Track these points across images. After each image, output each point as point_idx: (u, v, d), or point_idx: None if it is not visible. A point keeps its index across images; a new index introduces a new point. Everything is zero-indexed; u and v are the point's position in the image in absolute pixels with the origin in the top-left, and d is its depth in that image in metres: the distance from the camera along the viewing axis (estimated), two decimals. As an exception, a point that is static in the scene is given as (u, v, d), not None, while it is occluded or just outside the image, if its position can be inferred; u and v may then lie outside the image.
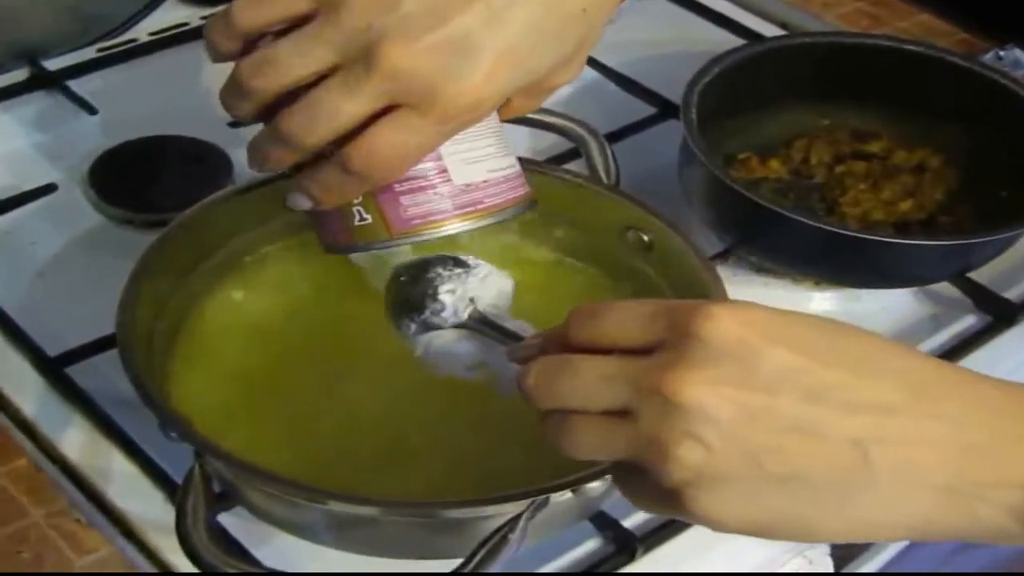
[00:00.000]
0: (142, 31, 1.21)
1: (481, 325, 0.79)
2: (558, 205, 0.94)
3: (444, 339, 0.80)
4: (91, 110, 1.12)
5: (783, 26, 1.32)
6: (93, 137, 1.10)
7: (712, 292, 0.86)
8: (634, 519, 0.84)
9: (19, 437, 0.86)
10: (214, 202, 0.91)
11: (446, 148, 0.79)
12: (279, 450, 0.81)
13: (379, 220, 0.79)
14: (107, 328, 0.89)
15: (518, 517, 0.74)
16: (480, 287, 0.80)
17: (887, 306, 1.03)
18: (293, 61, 0.74)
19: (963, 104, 1.12)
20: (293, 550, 0.80)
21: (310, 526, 0.79)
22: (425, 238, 0.80)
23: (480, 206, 0.80)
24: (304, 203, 0.79)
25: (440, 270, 0.81)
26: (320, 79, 0.74)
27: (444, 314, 0.79)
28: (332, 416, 0.85)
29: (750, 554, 0.84)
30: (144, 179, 1.05)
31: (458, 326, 0.79)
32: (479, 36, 0.74)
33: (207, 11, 1.23)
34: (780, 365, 0.62)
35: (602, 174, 0.97)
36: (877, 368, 0.63)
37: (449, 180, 0.79)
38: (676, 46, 1.27)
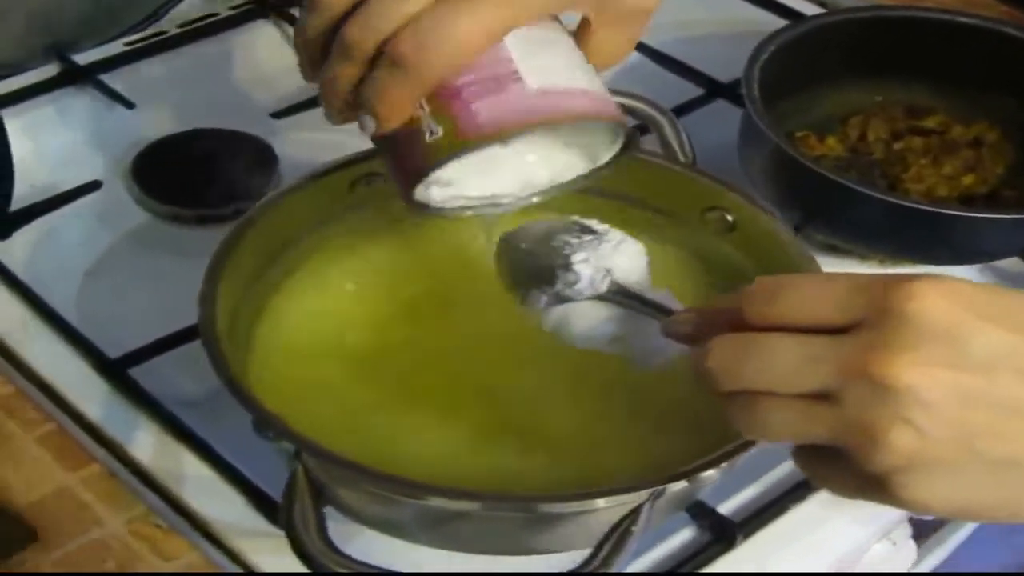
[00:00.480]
0: (170, 23, 1.17)
1: (622, 297, 0.74)
2: (635, 186, 0.90)
3: (579, 312, 0.75)
4: (128, 104, 1.09)
5: (821, 4, 1.29)
6: (132, 132, 1.06)
7: (804, 271, 0.83)
8: (729, 505, 0.82)
9: (88, 442, 0.83)
10: (290, 191, 0.87)
11: (518, 52, 0.73)
12: (361, 445, 0.77)
13: (450, 129, 0.72)
14: (165, 328, 0.88)
15: (639, 508, 0.71)
16: (614, 255, 0.75)
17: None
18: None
19: (1017, 77, 1.10)
20: (379, 547, 0.77)
21: (405, 523, 0.76)
22: (503, 141, 0.72)
23: (561, 109, 0.74)
24: (368, 123, 0.74)
25: (567, 237, 0.76)
26: None
27: (579, 286, 0.74)
28: (421, 405, 0.82)
29: (845, 536, 0.82)
30: (188, 174, 1.02)
31: (595, 298, 0.75)
32: None
33: (235, 0, 1.20)
34: (992, 343, 0.59)
35: (678, 153, 0.93)
36: None
37: (523, 83, 0.73)
38: (715, 27, 1.25)
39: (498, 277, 0.80)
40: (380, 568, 0.70)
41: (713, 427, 0.73)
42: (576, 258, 0.75)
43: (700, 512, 0.81)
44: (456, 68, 0.72)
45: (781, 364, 0.61)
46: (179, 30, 1.16)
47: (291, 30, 1.16)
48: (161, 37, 1.15)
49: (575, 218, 0.78)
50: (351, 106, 0.75)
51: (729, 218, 0.89)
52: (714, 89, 1.16)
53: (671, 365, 0.74)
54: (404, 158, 0.74)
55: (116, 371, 0.86)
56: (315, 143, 1.02)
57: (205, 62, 1.15)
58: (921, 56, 1.13)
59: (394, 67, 0.71)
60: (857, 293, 0.61)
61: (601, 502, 0.71)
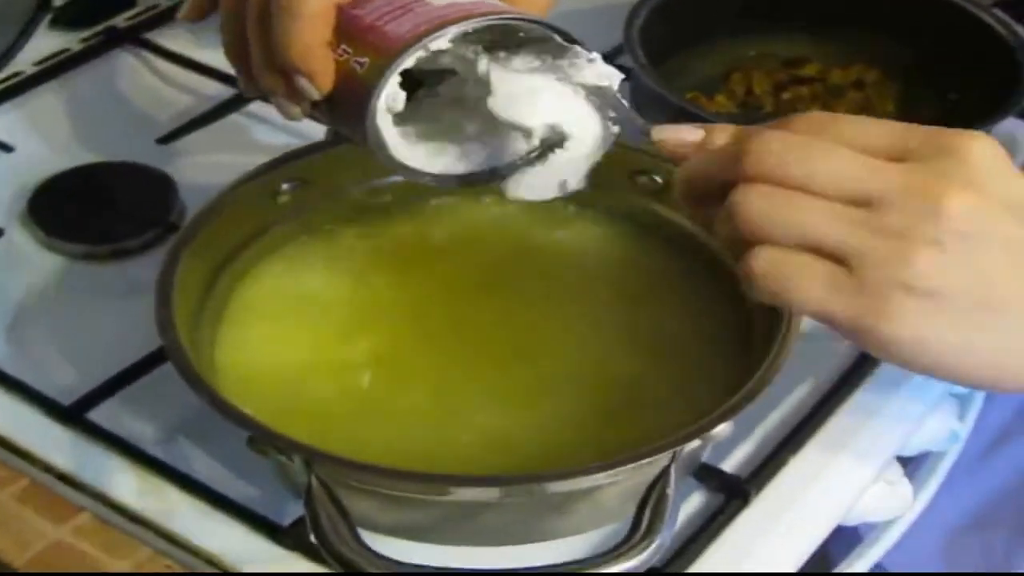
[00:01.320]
0: (25, 63, 1.12)
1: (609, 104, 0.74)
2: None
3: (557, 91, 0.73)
4: (6, 148, 1.03)
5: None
6: (18, 175, 1.00)
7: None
8: (731, 464, 0.81)
9: (68, 492, 0.78)
10: (217, 206, 0.83)
11: None
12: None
13: (376, 53, 0.72)
14: (110, 367, 0.84)
15: (667, 470, 0.69)
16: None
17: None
18: None
19: (886, 14, 1.12)
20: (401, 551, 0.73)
21: (426, 523, 0.74)
22: (432, 39, 0.71)
23: (477, 10, 0.72)
24: (305, 86, 0.73)
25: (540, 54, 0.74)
26: None
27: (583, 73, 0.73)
28: (402, 413, 0.79)
29: (847, 478, 0.81)
30: (88, 210, 0.97)
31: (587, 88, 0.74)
32: None
33: (85, 33, 1.15)
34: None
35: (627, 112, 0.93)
36: None
37: (428, 3, 0.72)
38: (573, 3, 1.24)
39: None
40: (426, 566, 0.68)
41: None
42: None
43: (707, 474, 0.79)
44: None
45: (834, 163, 0.63)
46: (37, 68, 1.11)
47: (150, 56, 1.13)
48: (20, 78, 1.10)
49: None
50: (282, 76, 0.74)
51: (658, 179, 0.88)
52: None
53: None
54: (350, 103, 0.73)
55: (75, 417, 0.81)
56: (209, 164, 1.01)
57: (73, 97, 1.10)
58: (788, 6, 1.14)
59: (276, 14, 0.72)
60: (913, 130, 0.64)
61: (624, 470, 0.69)
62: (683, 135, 0.70)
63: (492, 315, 0.84)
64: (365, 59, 0.72)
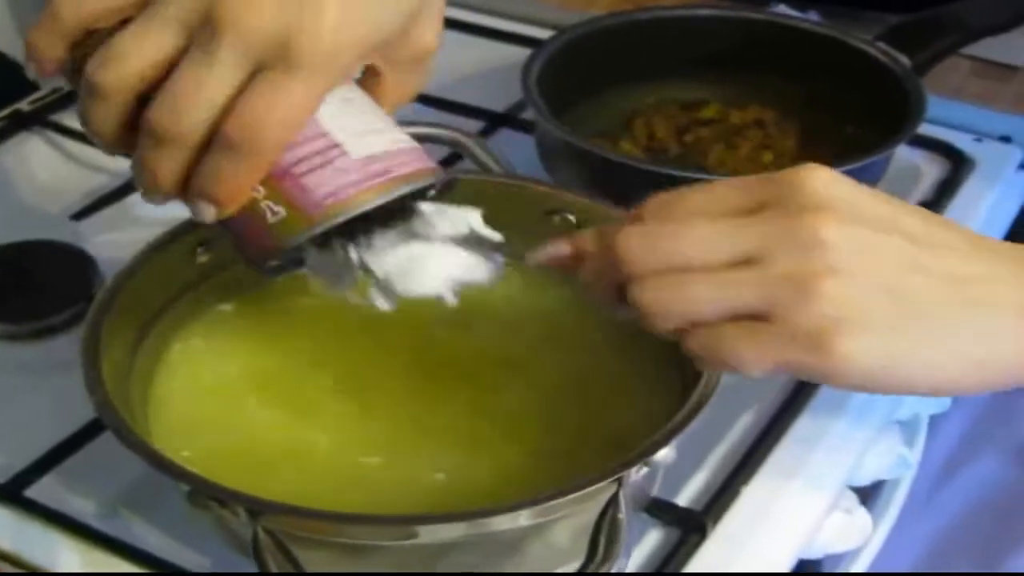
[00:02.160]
0: (-72, 150, 1.11)
1: (480, 244, 0.75)
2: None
3: (428, 251, 0.75)
4: (-89, 239, 1.02)
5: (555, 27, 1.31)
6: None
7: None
8: (684, 496, 0.82)
9: (10, 569, 0.77)
10: (134, 268, 0.83)
11: (331, 123, 0.72)
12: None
13: (292, 209, 0.71)
14: (44, 444, 0.84)
15: (615, 498, 0.69)
16: (470, 214, 0.75)
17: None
18: (136, 46, 0.69)
19: (773, 56, 1.15)
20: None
21: (374, 573, 0.73)
22: (348, 215, 0.71)
23: (392, 175, 0.73)
24: (207, 211, 0.71)
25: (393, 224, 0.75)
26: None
27: (439, 227, 0.74)
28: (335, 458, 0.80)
29: (802, 506, 0.82)
30: (7, 291, 0.97)
31: (453, 240, 0.75)
32: None
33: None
34: (879, 210, 0.67)
35: (495, 168, 0.95)
36: (942, 222, 0.69)
37: (347, 154, 0.72)
38: (471, 66, 1.25)
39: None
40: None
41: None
42: (435, 206, 0.75)
43: (661, 509, 0.80)
44: (284, 143, 0.71)
45: (701, 235, 0.65)
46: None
47: (58, 137, 1.12)
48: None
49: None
50: (178, 192, 0.72)
51: (571, 218, 0.89)
52: (494, 120, 1.16)
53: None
54: (250, 239, 0.73)
55: (12, 495, 0.81)
56: (125, 238, 0.98)
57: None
58: (680, 52, 1.16)
59: (229, 151, 0.69)
60: (754, 183, 0.67)
61: (573, 498, 0.69)
62: (554, 252, 0.73)
63: (421, 363, 0.84)
64: (280, 210, 0.71)
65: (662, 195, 0.68)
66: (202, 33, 0.68)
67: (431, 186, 0.75)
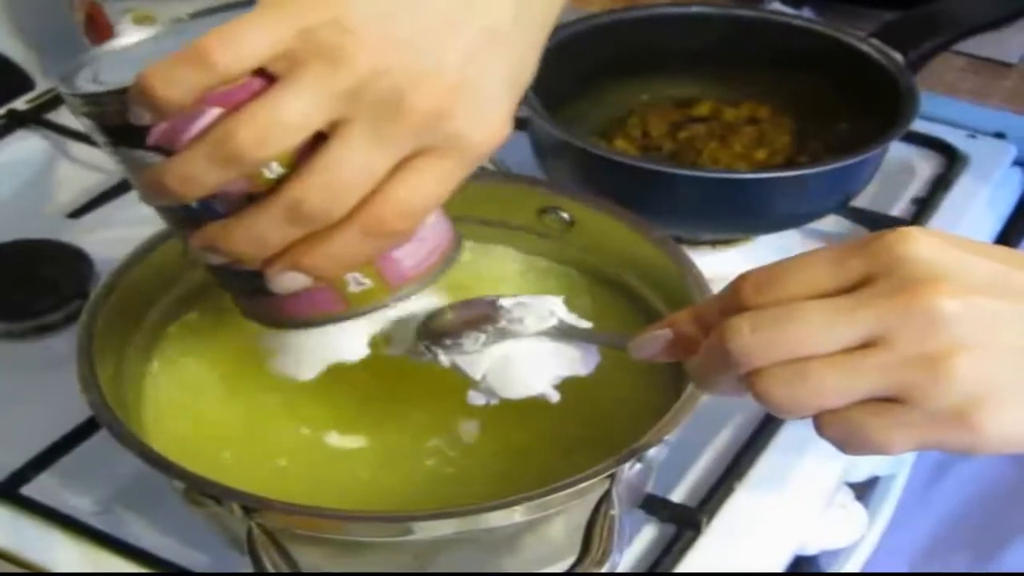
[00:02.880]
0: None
1: (571, 331, 0.74)
2: (466, 207, 0.89)
3: (522, 350, 0.73)
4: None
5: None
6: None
7: (657, 247, 0.85)
8: (679, 493, 0.82)
9: (12, 570, 0.77)
10: (126, 268, 0.83)
11: None
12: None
13: (379, 281, 0.70)
14: (41, 441, 0.84)
15: (608, 493, 0.69)
16: (549, 301, 0.74)
17: (786, 249, 1.03)
18: (301, 116, 0.63)
19: (766, 53, 1.15)
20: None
21: (369, 570, 0.73)
22: (417, 288, 0.72)
23: (442, 245, 0.74)
24: (295, 281, 0.67)
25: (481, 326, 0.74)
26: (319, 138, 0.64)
27: (527, 322, 0.73)
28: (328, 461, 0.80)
29: (796, 504, 0.82)
30: (5, 289, 0.97)
31: (542, 333, 0.73)
32: (493, 70, 0.68)
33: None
34: (989, 271, 0.60)
35: (488, 166, 0.95)
36: None
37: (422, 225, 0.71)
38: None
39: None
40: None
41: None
42: (516, 302, 0.73)
43: (656, 506, 0.81)
44: (418, 228, 0.69)
45: (819, 320, 0.60)
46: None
47: (54, 135, 1.13)
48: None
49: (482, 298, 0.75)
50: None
51: (566, 216, 0.89)
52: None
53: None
54: (312, 303, 0.71)
55: (9, 493, 0.81)
56: (122, 236, 0.97)
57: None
58: (674, 49, 1.16)
59: (363, 234, 0.66)
60: (851, 254, 0.61)
61: (567, 494, 0.69)
62: (656, 343, 0.68)
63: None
64: (367, 282, 0.70)
65: (756, 274, 0.63)
66: (377, 111, 0.64)
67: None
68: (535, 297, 0.74)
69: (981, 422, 0.59)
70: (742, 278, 0.63)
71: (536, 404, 0.77)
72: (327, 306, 0.71)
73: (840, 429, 0.62)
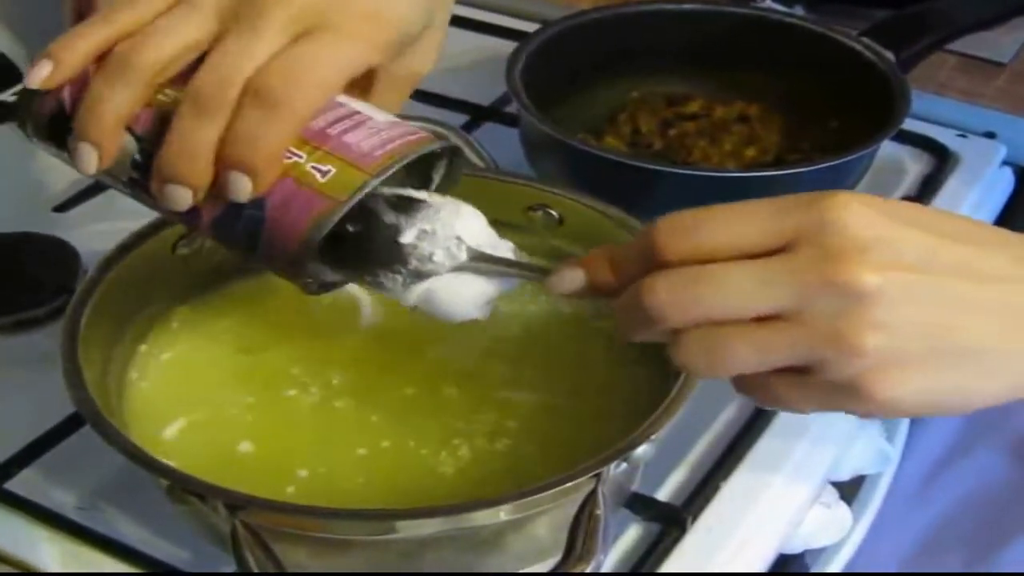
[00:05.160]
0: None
1: (483, 262, 0.72)
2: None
3: (443, 284, 0.72)
4: None
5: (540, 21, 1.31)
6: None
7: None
8: (665, 491, 0.82)
9: (-5, 567, 0.77)
10: (112, 262, 0.83)
11: (345, 100, 0.73)
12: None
13: (343, 163, 0.69)
14: (25, 436, 0.84)
15: (594, 493, 0.69)
16: (457, 220, 0.72)
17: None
18: (173, 29, 0.70)
19: (758, 52, 1.15)
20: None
21: (353, 569, 0.73)
22: (402, 163, 0.70)
23: (420, 135, 0.73)
24: (242, 184, 0.69)
25: (393, 214, 0.72)
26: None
27: (437, 258, 0.71)
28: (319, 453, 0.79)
29: (783, 501, 0.82)
30: (-12, 283, 0.97)
31: (456, 269, 0.72)
32: None
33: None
34: (920, 244, 0.62)
35: (478, 163, 0.95)
36: (987, 241, 0.65)
37: (372, 118, 0.72)
38: (453, 59, 1.25)
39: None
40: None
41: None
42: (419, 231, 0.72)
43: (642, 504, 0.80)
44: (322, 102, 0.71)
45: (736, 289, 0.62)
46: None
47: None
48: None
49: (390, 190, 0.73)
50: (209, 173, 0.70)
51: (554, 213, 0.89)
52: (478, 113, 1.16)
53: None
54: (297, 215, 0.70)
55: (-8, 489, 0.81)
56: (108, 230, 0.97)
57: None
58: (665, 47, 1.16)
59: (263, 106, 0.68)
60: (780, 213, 0.63)
61: (553, 494, 0.69)
62: (571, 283, 0.69)
63: (403, 359, 0.84)
64: (329, 167, 0.69)
65: (673, 221, 0.64)
66: (245, 11, 0.69)
67: (453, 149, 0.75)
68: (439, 215, 0.72)
69: (876, 393, 0.62)
70: (660, 223, 0.64)
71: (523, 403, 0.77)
72: (312, 205, 0.69)
73: (752, 391, 0.66)
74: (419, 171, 0.75)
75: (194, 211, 0.71)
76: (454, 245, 0.72)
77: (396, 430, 0.79)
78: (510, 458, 0.78)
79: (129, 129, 0.71)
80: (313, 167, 0.70)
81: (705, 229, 0.63)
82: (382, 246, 0.72)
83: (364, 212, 0.71)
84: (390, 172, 0.70)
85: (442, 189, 0.76)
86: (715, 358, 0.63)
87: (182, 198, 0.70)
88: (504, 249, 0.74)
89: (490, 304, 0.74)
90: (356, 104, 0.73)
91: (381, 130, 0.72)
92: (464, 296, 0.73)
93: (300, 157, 0.70)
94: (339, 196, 0.69)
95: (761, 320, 0.62)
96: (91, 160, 0.71)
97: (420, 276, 0.72)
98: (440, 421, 0.80)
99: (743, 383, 0.66)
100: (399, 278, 0.72)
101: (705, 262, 0.63)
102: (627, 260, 0.66)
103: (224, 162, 0.69)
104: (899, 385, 0.62)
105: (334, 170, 0.70)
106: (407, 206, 0.73)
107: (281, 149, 0.69)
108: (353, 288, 0.86)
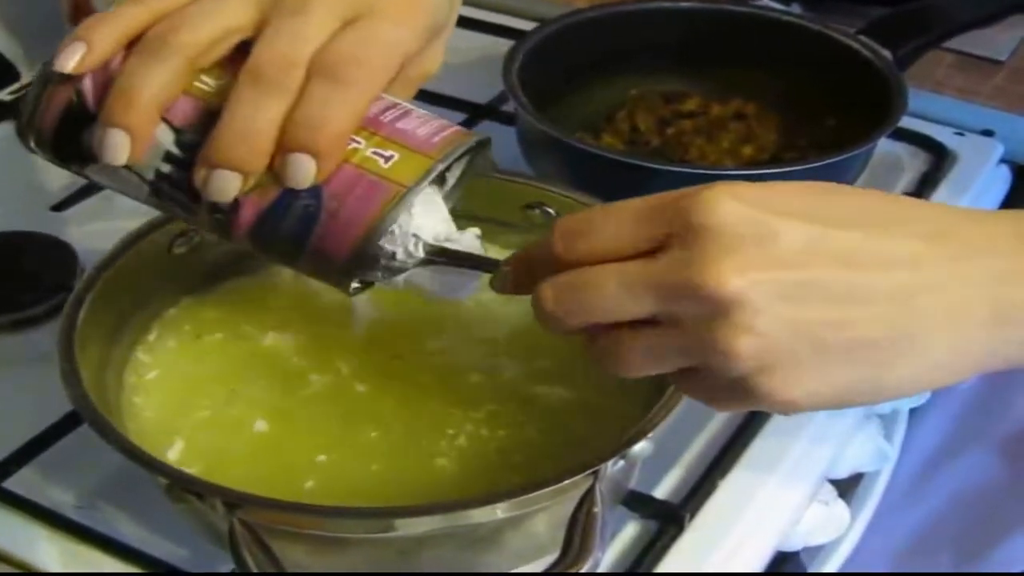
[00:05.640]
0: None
1: (443, 257, 0.72)
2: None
3: (416, 275, 0.73)
4: None
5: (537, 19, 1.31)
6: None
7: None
8: (662, 489, 0.82)
9: (-4, 567, 0.77)
10: (110, 262, 0.83)
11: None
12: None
13: (405, 150, 0.69)
14: (23, 435, 0.84)
15: (592, 490, 0.69)
16: (412, 218, 0.71)
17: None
18: (211, 12, 0.69)
19: (755, 50, 1.15)
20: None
21: (351, 567, 0.73)
22: (463, 148, 0.70)
23: (454, 124, 0.73)
24: (307, 168, 0.67)
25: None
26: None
27: (399, 258, 0.71)
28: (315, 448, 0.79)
29: (780, 499, 0.82)
30: (-15, 282, 0.97)
31: (419, 264, 0.72)
32: None
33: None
34: (798, 237, 0.60)
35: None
36: (886, 221, 0.62)
37: (414, 109, 0.72)
38: (450, 57, 1.25)
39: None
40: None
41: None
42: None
43: (639, 502, 0.80)
44: (385, 84, 0.70)
45: (604, 296, 0.62)
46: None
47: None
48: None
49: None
50: (268, 156, 0.68)
51: (552, 212, 0.89)
52: (476, 112, 1.16)
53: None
54: (363, 204, 0.68)
55: (-9, 488, 0.81)
56: (105, 229, 0.97)
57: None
58: (662, 45, 1.16)
59: (332, 84, 0.67)
60: (652, 214, 0.62)
61: (550, 491, 0.69)
62: (504, 282, 0.70)
63: (397, 358, 0.84)
64: (392, 153, 0.68)
65: (568, 223, 0.64)
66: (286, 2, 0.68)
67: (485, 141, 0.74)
68: (410, 214, 0.71)
69: (772, 393, 0.61)
70: (558, 224, 0.64)
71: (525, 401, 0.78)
72: (377, 191, 0.68)
73: (679, 386, 0.67)
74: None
75: (234, 207, 0.69)
76: (411, 243, 0.71)
77: (405, 419, 0.80)
78: (512, 452, 0.78)
79: (163, 119, 0.69)
80: (374, 153, 0.69)
81: (591, 230, 0.63)
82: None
83: None
84: (453, 158, 0.70)
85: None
86: (614, 361, 0.64)
87: (231, 185, 0.68)
88: (467, 240, 0.73)
89: (469, 289, 0.74)
90: (392, 96, 0.73)
91: (428, 120, 0.72)
92: (442, 283, 0.74)
93: (359, 143, 0.69)
94: (405, 181, 0.68)
95: (649, 324, 0.62)
96: (122, 148, 0.68)
97: (393, 272, 0.72)
98: (428, 417, 0.80)
99: (674, 381, 0.66)
100: (378, 274, 0.72)
101: (598, 263, 0.63)
102: (536, 260, 0.66)
103: (286, 145, 0.67)
104: (791, 386, 0.61)
105: (397, 156, 0.69)
106: None
107: (349, 130, 0.68)
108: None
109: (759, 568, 0.79)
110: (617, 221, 0.62)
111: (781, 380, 0.61)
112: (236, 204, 0.69)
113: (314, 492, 0.76)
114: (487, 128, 1.14)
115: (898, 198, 0.65)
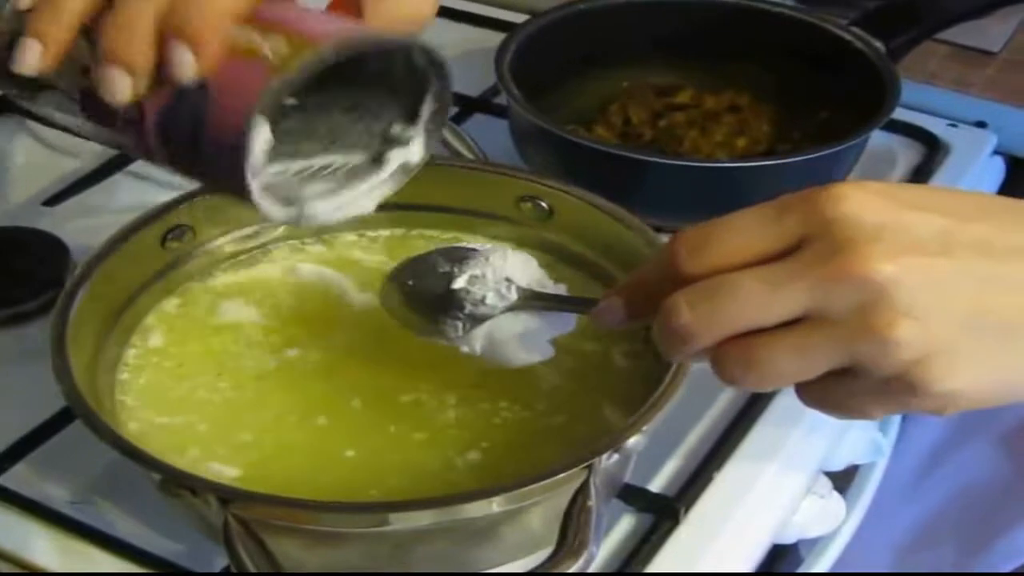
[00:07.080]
0: None
1: (536, 300, 0.74)
2: (441, 195, 0.90)
3: (502, 326, 0.74)
4: None
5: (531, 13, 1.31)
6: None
7: (635, 235, 0.85)
8: (657, 482, 0.81)
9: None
10: (103, 256, 0.83)
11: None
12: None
13: (294, 39, 0.63)
14: (17, 431, 0.83)
15: (586, 484, 0.69)
16: (506, 265, 0.75)
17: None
18: None
19: (748, 42, 1.15)
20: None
21: (346, 562, 0.73)
22: (356, 44, 0.64)
23: (358, 23, 0.69)
24: (186, 60, 0.63)
25: (449, 263, 0.76)
26: None
27: (490, 301, 0.74)
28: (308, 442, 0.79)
29: (776, 491, 0.82)
30: (-24, 278, 0.96)
31: (509, 309, 0.74)
32: None
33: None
34: (934, 227, 0.59)
35: (467, 155, 0.95)
36: (998, 215, 0.61)
37: (310, 9, 0.67)
38: (442, 50, 1.25)
39: (392, 318, 0.79)
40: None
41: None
42: (467, 276, 0.75)
43: (634, 495, 0.80)
44: None
45: (749, 296, 0.59)
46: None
47: (29, 123, 1.12)
48: None
49: (446, 246, 0.77)
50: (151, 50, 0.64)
51: (545, 205, 0.89)
52: (468, 105, 1.16)
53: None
54: (235, 94, 0.63)
55: (-15, 483, 0.80)
56: (98, 224, 0.98)
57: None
58: (654, 37, 1.16)
59: None
60: (780, 216, 0.60)
61: (544, 485, 0.69)
62: (613, 314, 0.67)
63: (388, 351, 0.84)
64: (280, 44, 0.63)
65: (689, 236, 0.62)
66: None
67: (430, 56, 0.69)
68: (489, 260, 0.74)
69: (932, 385, 0.59)
70: (675, 240, 0.62)
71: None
72: (259, 77, 0.63)
73: (815, 400, 0.63)
74: (406, 104, 0.71)
75: (140, 113, 0.66)
76: (504, 287, 0.74)
77: (369, 420, 0.80)
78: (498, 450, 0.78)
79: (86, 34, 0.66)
80: (261, 43, 0.64)
81: (716, 240, 0.61)
82: (439, 294, 0.75)
83: (420, 263, 0.76)
84: (348, 50, 0.64)
85: (432, 124, 0.73)
86: (756, 370, 0.60)
87: (121, 83, 0.64)
88: (555, 289, 0.76)
89: (551, 344, 0.76)
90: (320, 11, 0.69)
91: (333, 19, 0.68)
92: (524, 338, 0.75)
93: (246, 36, 0.64)
94: (290, 67, 0.63)
95: (793, 325, 0.60)
96: (33, 55, 0.66)
97: (476, 319, 0.74)
98: (421, 411, 0.80)
99: (807, 395, 0.63)
100: (459, 323, 0.75)
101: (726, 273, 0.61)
102: (654, 282, 0.64)
103: (165, 36, 0.63)
104: (952, 375, 0.59)
105: (285, 49, 0.63)
106: (460, 255, 0.76)
107: (226, 13, 0.64)
108: (340, 276, 0.87)
109: (756, 560, 0.79)
110: (742, 228, 0.61)
111: (941, 368, 0.59)
112: (141, 114, 0.66)
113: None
114: (479, 121, 1.13)
115: (1001, 196, 0.64)
